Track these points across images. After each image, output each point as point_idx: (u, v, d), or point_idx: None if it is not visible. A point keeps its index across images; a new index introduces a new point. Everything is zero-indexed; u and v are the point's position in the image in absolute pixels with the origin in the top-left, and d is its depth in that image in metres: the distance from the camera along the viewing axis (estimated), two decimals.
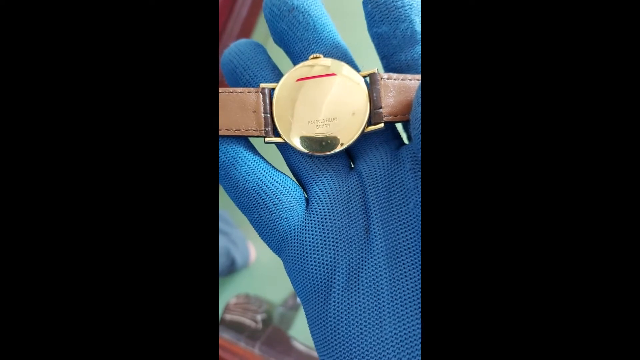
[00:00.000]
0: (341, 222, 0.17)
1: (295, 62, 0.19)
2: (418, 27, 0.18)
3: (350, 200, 0.18)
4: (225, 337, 0.67)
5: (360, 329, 0.16)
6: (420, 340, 0.15)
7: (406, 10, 0.18)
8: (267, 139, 0.18)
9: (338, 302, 0.17)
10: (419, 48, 0.18)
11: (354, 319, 0.16)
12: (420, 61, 0.18)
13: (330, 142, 0.18)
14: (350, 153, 0.19)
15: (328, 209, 0.18)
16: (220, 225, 0.86)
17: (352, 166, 0.19)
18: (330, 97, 0.18)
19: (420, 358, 0.15)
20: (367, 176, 0.18)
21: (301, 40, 0.18)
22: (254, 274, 0.90)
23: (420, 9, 0.18)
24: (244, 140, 0.18)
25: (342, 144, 0.18)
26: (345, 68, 0.18)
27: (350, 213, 0.18)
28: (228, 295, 0.80)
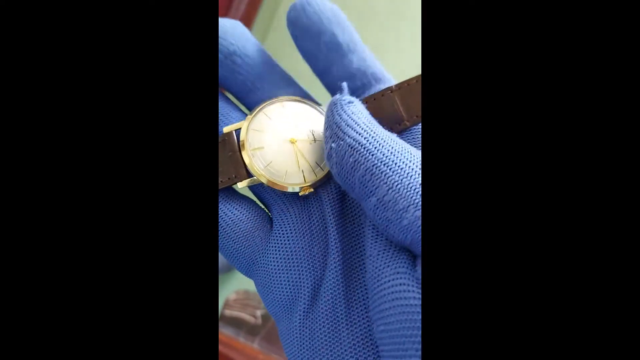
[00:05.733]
0: (303, 242, 0.18)
1: (245, 104, 0.19)
2: (341, 38, 0.18)
3: (311, 218, 0.18)
4: (224, 332, 0.67)
5: (320, 346, 0.16)
6: (375, 354, 0.15)
7: (324, 24, 0.18)
8: (240, 184, 0.18)
9: (300, 322, 0.17)
10: (351, 57, 0.18)
11: (313, 337, 0.16)
12: (358, 73, 0.18)
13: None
14: None
15: (290, 231, 0.18)
16: None
17: None
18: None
19: None
20: (322, 191, 0.18)
21: (244, 82, 0.18)
22: None
23: (344, 22, 0.18)
24: None
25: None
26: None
27: (311, 231, 0.18)
28: (227, 291, 0.80)
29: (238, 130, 0.18)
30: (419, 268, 0.14)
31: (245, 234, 0.18)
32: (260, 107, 0.18)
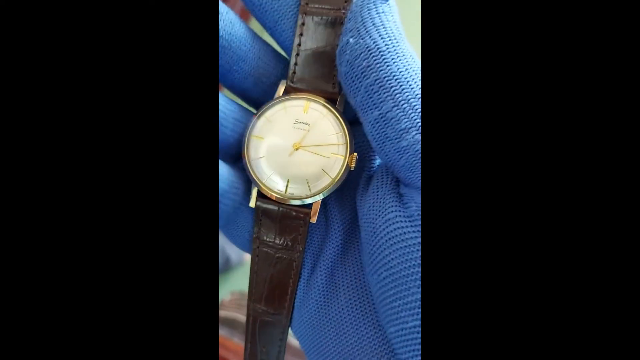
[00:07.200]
0: None
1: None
2: None
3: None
4: (219, 333, 0.67)
5: (319, 304, 0.17)
6: (371, 306, 0.16)
7: None
8: None
9: (302, 287, 0.17)
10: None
11: (313, 297, 0.17)
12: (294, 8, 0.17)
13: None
14: None
15: None
16: None
17: None
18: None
19: (372, 323, 0.16)
20: None
21: (221, 65, 0.17)
22: (248, 271, 0.90)
23: None
24: None
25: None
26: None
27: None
28: (223, 293, 0.80)
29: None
30: (409, 204, 0.14)
31: (243, 215, 0.18)
32: (245, 163, 0.17)
